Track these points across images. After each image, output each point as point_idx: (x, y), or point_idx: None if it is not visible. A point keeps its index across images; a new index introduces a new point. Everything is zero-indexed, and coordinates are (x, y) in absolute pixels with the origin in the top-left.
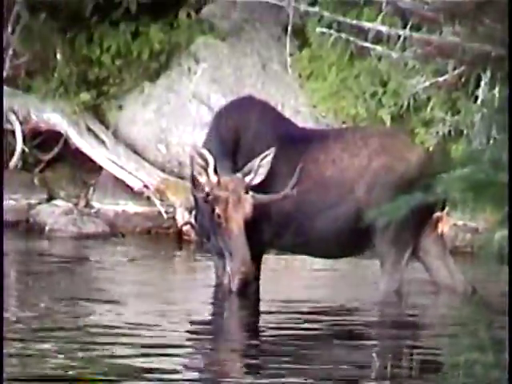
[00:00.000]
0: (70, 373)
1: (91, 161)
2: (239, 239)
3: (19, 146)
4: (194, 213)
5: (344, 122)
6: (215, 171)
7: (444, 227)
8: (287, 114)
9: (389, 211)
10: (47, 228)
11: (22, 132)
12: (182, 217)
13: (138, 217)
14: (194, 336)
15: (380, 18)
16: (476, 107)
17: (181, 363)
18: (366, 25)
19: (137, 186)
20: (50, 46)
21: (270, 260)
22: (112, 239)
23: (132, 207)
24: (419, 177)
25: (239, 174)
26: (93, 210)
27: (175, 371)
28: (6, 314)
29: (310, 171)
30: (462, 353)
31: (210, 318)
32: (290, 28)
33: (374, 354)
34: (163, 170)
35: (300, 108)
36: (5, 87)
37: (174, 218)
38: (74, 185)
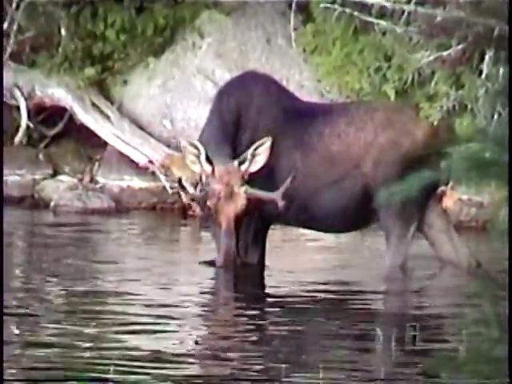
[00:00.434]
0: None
1: (96, 136)
2: (227, 234)
3: (24, 121)
4: (198, 188)
5: (348, 97)
6: (208, 160)
7: (448, 202)
8: (291, 88)
9: (399, 191)
10: (52, 203)
11: (27, 107)
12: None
13: (143, 192)
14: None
15: None
16: (480, 82)
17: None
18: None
19: (142, 161)
20: (55, 22)
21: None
22: (117, 214)
23: (137, 182)
24: (425, 151)
25: (235, 163)
26: (98, 186)
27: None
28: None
29: (315, 145)
30: (466, 327)
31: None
32: (294, 2)
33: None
34: (168, 146)
35: (304, 82)
36: (10, 62)
37: (179, 194)
38: (79, 160)
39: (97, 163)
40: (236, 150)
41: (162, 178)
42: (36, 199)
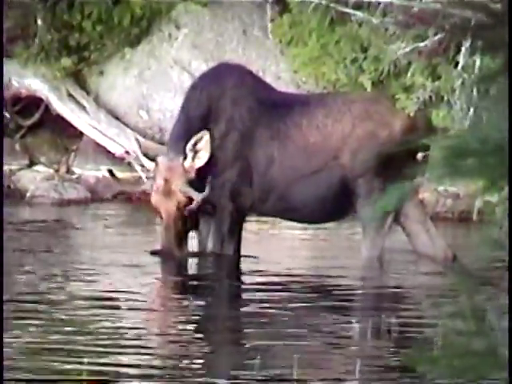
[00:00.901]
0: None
1: (72, 126)
2: (166, 227)
3: None
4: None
5: (325, 88)
6: (148, 157)
7: (425, 193)
8: (268, 79)
9: (383, 205)
10: (28, 194)
11: (3, 98)
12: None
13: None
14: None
15: None
16: (456, 73)
17: None
18: None
19: (118, 151)
20: (31, 12)
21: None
22: (93, 205)
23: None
24: (402, 143)
25: (180, 159)
26: (74, 176)
27: None
28: None
29: (292, 136)
30: (442, 321)
31: None
32: None
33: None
34: (144, 136)
35: (281, 74)
36: None
37: None
38: (56, 150)
39: (73, 153)
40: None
41: (138, 168)
42: (12, 189)
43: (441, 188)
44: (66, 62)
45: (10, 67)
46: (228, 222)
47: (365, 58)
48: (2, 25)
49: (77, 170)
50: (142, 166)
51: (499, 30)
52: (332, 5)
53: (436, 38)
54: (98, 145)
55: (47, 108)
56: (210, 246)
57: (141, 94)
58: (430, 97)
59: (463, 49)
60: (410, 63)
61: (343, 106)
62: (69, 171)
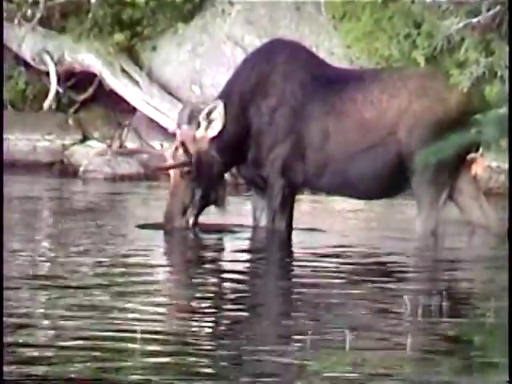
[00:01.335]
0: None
1: (125, 102)
2: (171, 196)
3: (54, 86)
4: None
5: (378, 64)
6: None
7: (478, 168)
8: (321, 55)
9: (437, 151)
10: (81, 169)
11: (57, 73)
12: None
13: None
14: None
15: None
16: (510, 48)
17: None
18: None
19: (171, 126)
20: None
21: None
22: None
23: (166, 148)
24: (458, 118)
25: (187, 126)
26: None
27: None
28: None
29: (348, 111)
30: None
31: None
32: None
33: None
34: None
35: (334, 49)
36: (39, 28)
37: None
38: (108, 126)
39: (126, 129)
40: (251, 119)
41: None
42: (65, 165)
43: (494, 164)
44: (119, 37)
45: (63, 42)
46: (279, 198)
47: (418, 34)
48: (1, 26)
49: (130, 145)
50: None
51: None
52: None
53: (489, 13)
54: (150, 120)
55: (100, 83)
56: (263, 221)
57: (194, 69)
58: (484, 72)
59: None
60: (463, 39)
61: (399, 82)
62: (122, 146)
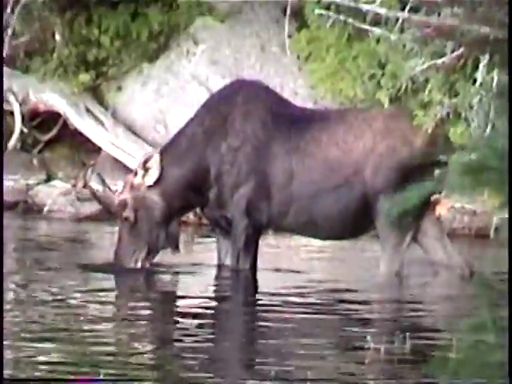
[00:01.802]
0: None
1: (90, 142)
2: (117, 239)
3: (18, 126)
4: None
5: (342, 104)
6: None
7: (442, 210)
8: (286, 95)
9: (400, 201)
10: (46, 209)
11: (21, 113)
12: None
13: None
14: None
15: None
16: (474, 90)
17: None
18: (365, 6)
19: (135, 166)
20: (49, 27)
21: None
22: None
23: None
24: (423, 159)
25: (131, 175)
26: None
27: None
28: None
29: (312, 151)
30: (463, 333)
31: None
32: (288, 9)
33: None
34: None
35: (298, 90)
36: (4, 67)
37: None
38: (73, 165)
39: (90, 169)
40: (207, 160)
41: None
42: (29, 204)
43: (458, 205)
44: (84, 77)
45: (28, 82)
46: (243, 238)
47: (382, 74)
48: (1, 27)
49: (94, 186)
50: None
51: None
52: (350, 21)
53: (454, 54)
54: (115, 160)
55: (65, 123)
56: (227, 261)
57: (158, 109)
58: (448, 113)
59: (481, 65)
60: (427, 80)
61: (364, 123)
62: (86, 186)
